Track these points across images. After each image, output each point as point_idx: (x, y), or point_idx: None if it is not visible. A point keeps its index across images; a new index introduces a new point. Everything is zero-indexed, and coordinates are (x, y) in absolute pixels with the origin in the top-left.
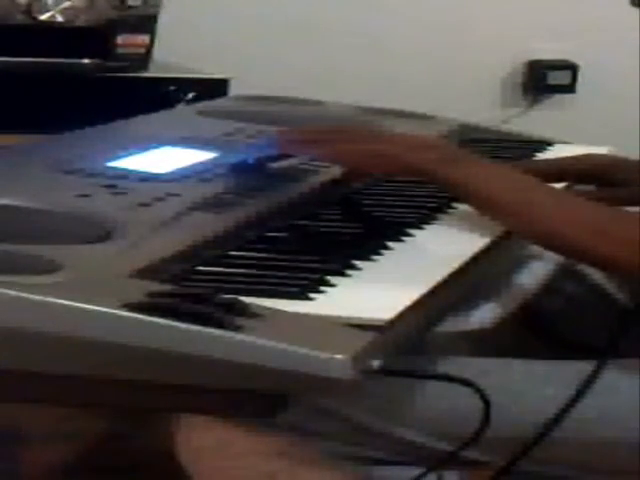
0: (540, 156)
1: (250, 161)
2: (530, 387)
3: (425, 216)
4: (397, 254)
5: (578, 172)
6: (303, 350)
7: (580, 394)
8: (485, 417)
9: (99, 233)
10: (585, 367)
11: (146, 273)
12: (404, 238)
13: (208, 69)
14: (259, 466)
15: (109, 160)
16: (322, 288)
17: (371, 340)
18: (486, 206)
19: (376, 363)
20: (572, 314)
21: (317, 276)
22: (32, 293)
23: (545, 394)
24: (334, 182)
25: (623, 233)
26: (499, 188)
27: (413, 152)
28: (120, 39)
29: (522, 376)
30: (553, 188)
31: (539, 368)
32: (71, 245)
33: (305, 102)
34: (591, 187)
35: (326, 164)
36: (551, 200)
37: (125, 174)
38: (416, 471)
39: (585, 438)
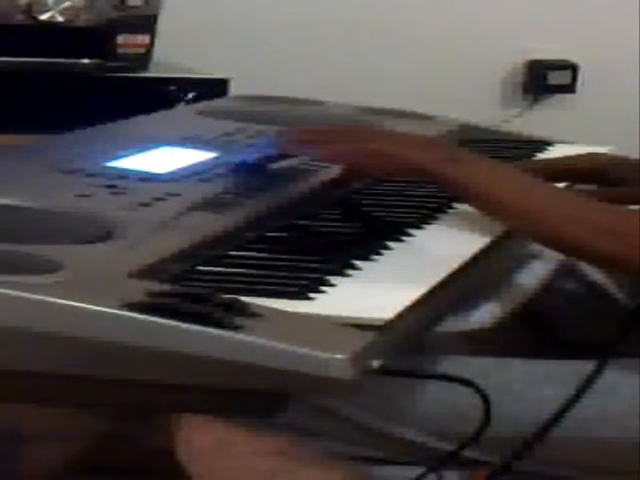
0: (540, 156)
1: (250, 161)
2: (530, 387)
3: (425, 216)
4: (397, 254)
5: (578, 172)
6: (303, 350)
7: (580, 394)
8: (485, 417)
9: (99, 233)
10: (585, 367)
11: (146, 273)
12: (404, 238)
13: (208, 69)
14: (259, 466)
15: (109, 160)
16: (322, 288)
17: (371, 340)
18: (487, 206)
19: (376, 363)
20: (572, 314)
21: (317, 276)
22: (32, 293)
23: (545, 394)
24: (334, 182)
25: (626, 231)
26: (500, 187)
27: (413, 151)
28: (120, 39)
29: (522, 376)
30: (555, 187)
31: (539, 368)
32: (71, 245)
33: (305, 102)
34: (591, 187)
35: (326, 164)
36: (553, 199)
37: (125, 174)
38: (416, 471)
39: (585, 438)
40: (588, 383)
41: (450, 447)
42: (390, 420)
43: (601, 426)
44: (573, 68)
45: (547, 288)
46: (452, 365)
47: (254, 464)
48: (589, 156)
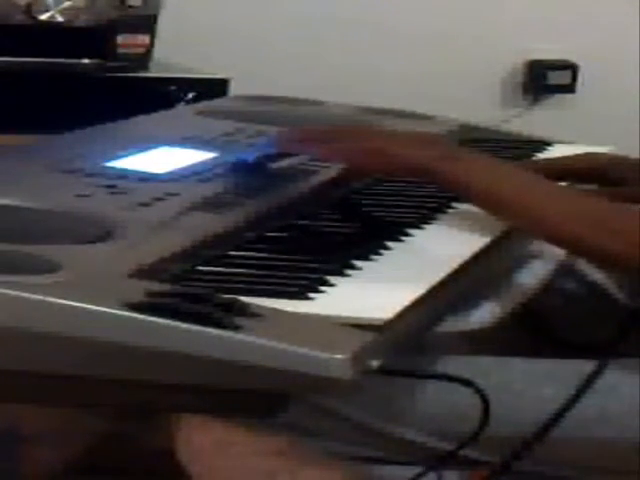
0: (540, 156)
1: (250, 161)
2: (530, 386)
3: (425, 216)
4: (397, 254)
5: (579, 171)
6: (303, 350)
7: (580, 394)
8: (484, 416)
9: (99, 233)
10: (585, 367)
11: (146, 273)
12: (404, 238)
13: (208, 69)
14: (259, 466)
15: (109, 160)
16: (322, 288)
17: (370, 340)
18: (488, 203)
19: (375, 363)
20: (571, 314)
21: (317, 276)
22: (32, 293)
23: (545, 393)
24: (334, 182)
25: (627, 229)
26: (501, 185)
27: (412, 149)
28: (120, 39)
29: (522, 376)
30: (556, 184)
31: (539, 367)
32: (71, 245)
33: (305, 102)
34: (592, 186)
35: (326, 164)
36: (554, 196)
37: (125, 174)
38: (416, 471)
39: (585, 438)
40: (588, 383)
41: (450, 447)
42: (390, 420)
43: (601, 426)
44: (573, 68)
45: (547, 288)
46: (452, 365)
47: (254, 464)
48: (589, 155)
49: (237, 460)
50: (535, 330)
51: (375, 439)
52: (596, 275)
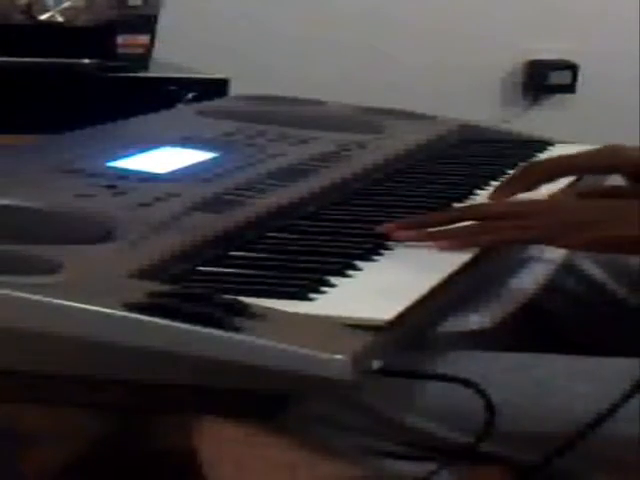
0: (540, 156)
1: None
2: (569, 384)
3: None
4: (397, 254)
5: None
6: (303, 350)
7: (631, 394)
8: (490, 416)
9: (99, 233)
10: (625, 365)
11: (146, 273)
12: None
13: (208, 69)
14: (280, 458)
15: (109, 160)
16: (322, 288)
17: (371, 340)
18: None
19: (376, 363)
20: (574, 313)
21: (317, 276)
22: (32, 293)
23: (583, 391)
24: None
25: None
26: None
27: None
28: (120, 39)
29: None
30: None
31: (560, 364)
32: (71, 245)
33: (305, 102)
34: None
35: (326, 164)
36: None
37: (125, 174)
38: (429, 466)
39: (621, 437)
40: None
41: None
42: (415, 415)
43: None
44: (573, 68)
45: (550, 287)
46: (455, 364)
47: (275, 456)
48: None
49: (258, 451)
50: (540, 330)
51: (398, 433)
52: (598, 273)
